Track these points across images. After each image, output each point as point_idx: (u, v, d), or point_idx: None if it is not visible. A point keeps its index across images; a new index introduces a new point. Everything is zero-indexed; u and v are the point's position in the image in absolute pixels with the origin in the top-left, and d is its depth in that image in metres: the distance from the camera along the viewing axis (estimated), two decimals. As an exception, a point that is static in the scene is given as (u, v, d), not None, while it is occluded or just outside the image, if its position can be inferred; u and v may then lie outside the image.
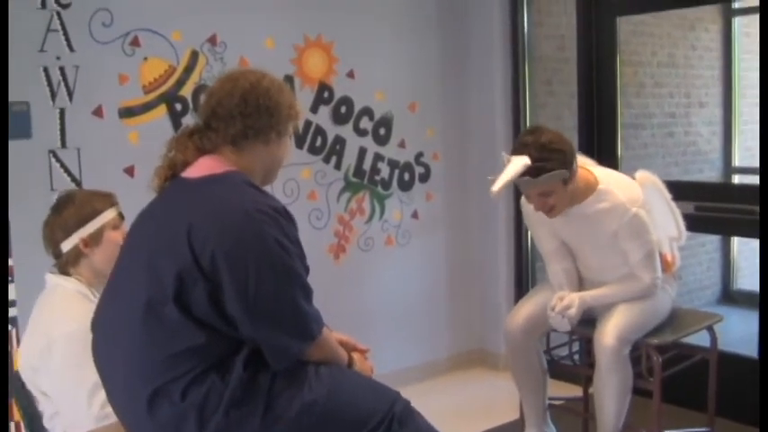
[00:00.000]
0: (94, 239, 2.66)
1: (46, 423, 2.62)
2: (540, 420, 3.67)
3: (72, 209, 2.68)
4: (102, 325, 2.30)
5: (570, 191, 3.23)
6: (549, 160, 3.13)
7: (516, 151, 3.18)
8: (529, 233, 5.17)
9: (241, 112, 2.27)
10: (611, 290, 3.36)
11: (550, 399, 3.77)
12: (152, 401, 2.10)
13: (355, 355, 2.52)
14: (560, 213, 3.29)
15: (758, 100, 4.34)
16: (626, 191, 3.31)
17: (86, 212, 2.67)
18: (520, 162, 3.12)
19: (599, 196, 3.30)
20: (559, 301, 3.34)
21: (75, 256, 2.67)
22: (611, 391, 3.28)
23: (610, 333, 3.24)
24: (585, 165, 3.41)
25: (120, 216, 2.75)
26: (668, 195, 3.43)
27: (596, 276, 3.47)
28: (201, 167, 2.27)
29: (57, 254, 2.69)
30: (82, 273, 2.68)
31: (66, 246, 2.65)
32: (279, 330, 2.17)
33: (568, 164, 3.18)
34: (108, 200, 2.75)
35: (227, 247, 2.09)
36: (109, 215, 2.70)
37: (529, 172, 3.12)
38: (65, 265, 2.69)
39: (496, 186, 3.13)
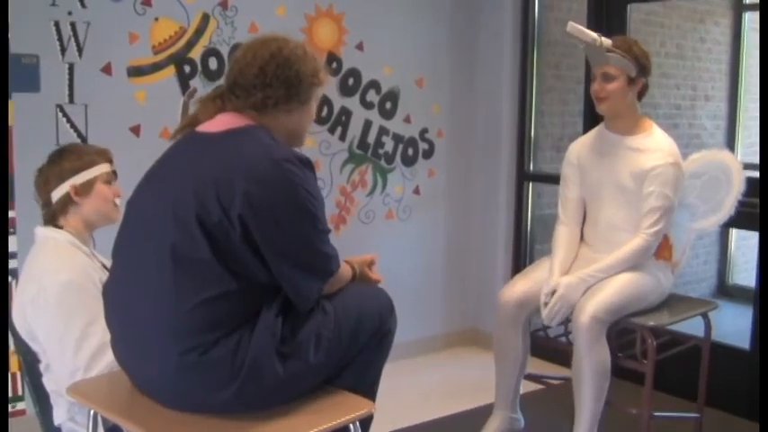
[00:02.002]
0: (85, 189, 2.68)
1: (44, 379, 2.65)
2: (510, 403, 3.65)
3: (68, 159, 2.69)
4: (120, 283, 2.29)
5: (629, 99, 3.45)
6: (626, 51, 3.40)
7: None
8: (529, 215, 5.21)
9: (262, 83, 2.28)
10: (599, 265, 3.39)
11: (545, 377, 3.79)
12: (182, 356, 2.11)
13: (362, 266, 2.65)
14: (610, 110, 3.48)
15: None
16: (673, 146, 3.46)
17: (81, 163, 2.69)
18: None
19: (648, 135, 3.48)
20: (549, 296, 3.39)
21: (64, 204, 2.67)
22: (587, 372, 3.26)
23: (586, 311, 3.25)
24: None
25: (114, 173, 2.77)
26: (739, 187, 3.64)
27: (602, 236, 3.51)
28: (221, 122, 2.29)
29: (46, 202, 2.70)
30: (71, 222, 2.69)
31: (57, 194, 2.67)
32: (306, 273, 2.23)
33: (640, 67, 3.42)
34: (104, 155, 2.76)
35: (256, 194, 2.11)
36: (103, 168, 2.72)
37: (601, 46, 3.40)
38: (54, 214, 2.70)
39: (577, 27, 3.39)
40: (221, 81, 2.63)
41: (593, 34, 3.39)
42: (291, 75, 2.30)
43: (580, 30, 3.39)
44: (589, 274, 3.36)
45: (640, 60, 3.42)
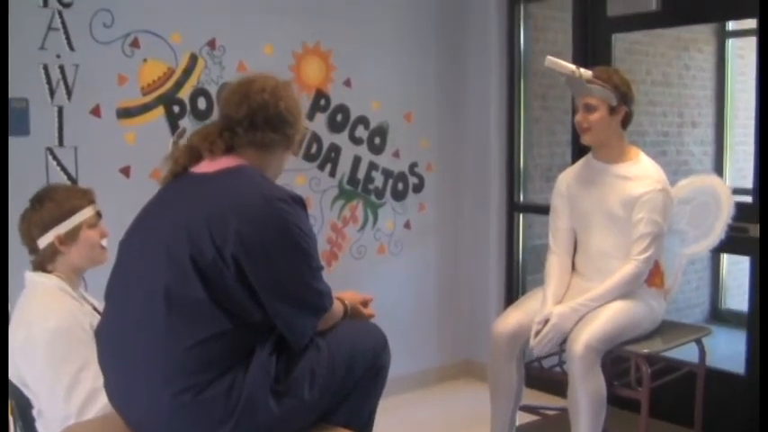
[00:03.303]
0: (70, 237, 2.66)
1: (37, 424, 2.63)
2: None
3: (49, 205, 2.66)
4: (113, 325, 2.29)
5: (612, 128, 3.48)
6: (606, 81, 3.43)
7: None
8: (521, 246, 5.22)
9: (282, 121, 2.36)
10: (592, 294, 3.39)
11: (541, 408, 3.77)
12: (176, 396, 2.11)
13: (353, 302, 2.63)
14: (593, 140, 3.51)
15: (750, 121, 4.38)
16: (660, 173, 3.49)
17: (64, 210, 2.66)
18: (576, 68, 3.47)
19: (636, 163, 3.50)
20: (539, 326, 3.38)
21: (51, 254, 2.66)
22: (583, 402, 3.26)
23: (579, 340, 3.26)
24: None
25: (98, 214, 2.74)
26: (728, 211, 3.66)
27: (593, 264, 3.51)
28: (217, 164, 2.31)
29: (33, 249, 2.68)
30: (59, 268, 2.67)
31: (43, 242, 2.65)
32: (300, 310, 2.25)
33: (621, 97, 3.45)
34: (86, 197, 2.74)
35: (249, 231, 2.13)
36: (86, 213, 2.69)
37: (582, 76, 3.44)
38: (42, 261, 2.68)
39: (554, 60, 3.44)
40: (210, 121, 2.64)
41: (572, 66, 3.42)
42: (300, 117, 2.43)
43: (558, 63, 3.42)
44: (581, 303, 3.37)
45: (620, 89, 3.45)
